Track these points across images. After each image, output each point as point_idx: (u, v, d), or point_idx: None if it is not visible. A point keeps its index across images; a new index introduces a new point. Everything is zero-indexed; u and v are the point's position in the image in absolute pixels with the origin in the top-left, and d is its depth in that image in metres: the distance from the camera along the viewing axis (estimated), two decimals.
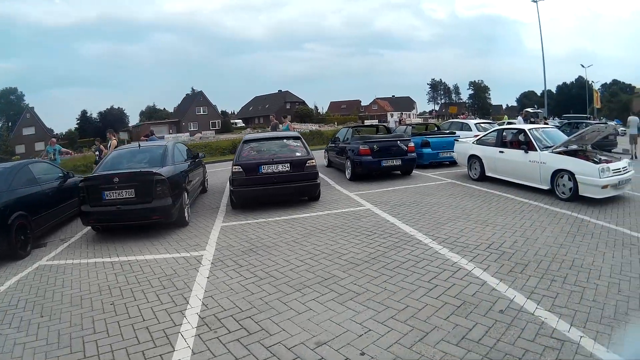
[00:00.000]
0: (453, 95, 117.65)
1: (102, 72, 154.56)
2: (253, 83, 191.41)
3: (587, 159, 8.92)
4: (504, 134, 11.21)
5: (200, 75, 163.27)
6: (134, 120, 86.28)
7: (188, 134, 58.74)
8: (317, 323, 4.14)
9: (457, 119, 26.59)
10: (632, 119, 17.86)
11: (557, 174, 9.05)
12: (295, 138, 9.85)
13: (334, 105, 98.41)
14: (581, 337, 3.68)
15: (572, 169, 8.69)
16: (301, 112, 76.58)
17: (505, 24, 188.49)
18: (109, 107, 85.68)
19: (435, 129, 17.69)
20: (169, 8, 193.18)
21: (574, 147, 9.65)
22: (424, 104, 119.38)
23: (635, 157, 16.37)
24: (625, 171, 8.74)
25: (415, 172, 13.50)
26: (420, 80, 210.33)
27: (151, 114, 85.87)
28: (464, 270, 5.31)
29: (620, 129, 36.28)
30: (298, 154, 9.21)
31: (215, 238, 7.30)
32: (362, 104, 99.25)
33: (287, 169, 8.73)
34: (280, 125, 16.91)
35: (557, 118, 39.87)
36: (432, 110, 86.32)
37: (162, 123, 73.05)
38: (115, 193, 7.30)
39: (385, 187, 11.26)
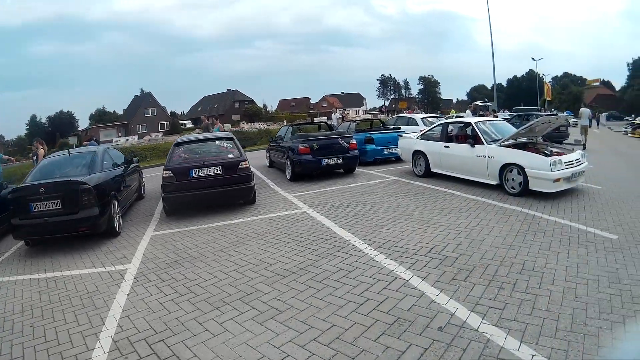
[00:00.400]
0: (403, 91, 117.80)
1: (53, 73, 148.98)
2: (203, 82, 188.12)
3: (537, 151, 8.58)
4: (449, 128, 10.80)
5: (150, 76, 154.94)
6: (84, 123, 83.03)
7: (137, 136, 56.79)
8: (232, 347, 3.72)
9: (402, 113, 25.95)
10: (583, 110, 18.81)
11: (505, 168, 8.59)
12: (228, 139, 9.39)
13: (283, 103, 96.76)
14: (533, 356, 3.26)
15: (522, 162, 8.23)
16: (250, 111, 75.28)
17: (456, 19, 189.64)
18: (58, 112, 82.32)
19: (381, 125, 17.23)
20: (119, 6, 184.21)
21: (524, 140, 9.35)
22: (373, 100, 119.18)
23: (585, 148, 16.81)
24: (578, 163, 8.39)
25: (359, 169, 12.97)
26: (371, 76, 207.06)
27: (100, 117, 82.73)
28: (400, 279, 4.78)
29: (572, 120, 37.02)
30: (230, 155, 8.75)
31: (142, 249, 6.84)
32: (312, 101, 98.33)
33: (219, 172, 8.31)
34: (215, 125, 16.45)
35: (507, 111, 40.26)
36: (382, 106, 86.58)
37: (111, 126, 70.78)
38: (43, 204, 6.86)
39: (325, 187, 10.71)
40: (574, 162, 8.31)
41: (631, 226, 6.43)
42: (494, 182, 8.98)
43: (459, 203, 8.25)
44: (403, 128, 15.76)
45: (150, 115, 72.54)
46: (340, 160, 11.76)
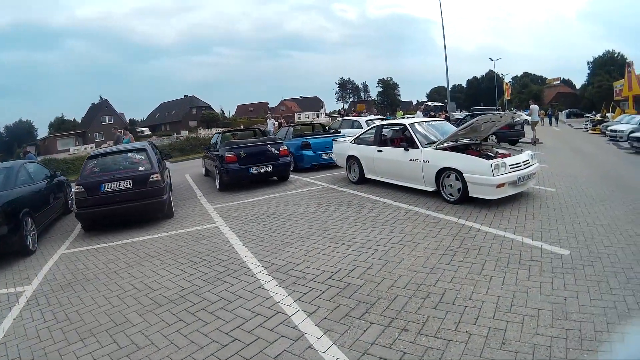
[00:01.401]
0: (362, 94, 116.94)
1: (13, 81, 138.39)
2: (162, 89, 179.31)
3: (479, 154, 7.49)
4: (383, 131, 9.70)
5: (110, 83, 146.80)
6: (43, 132, 79.24)
7: (94, 145, 55.40)
8: None
9: (348, 116, 24.69)
10: (533, 107, 19.06)
11: (442, 173, 7.53)
12: (140, 151, 8.77)
13: (241, 109, 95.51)
14: None
15: (459, 166, 7.16)
16: (207, 116, 73.87)
17: (415, 22, 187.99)
18: (17, 120, 78.40)
19: (322, 129, 16.32)
20: (81, 13, 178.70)
21: (466, 141, 8.33)
22: (332, 104, 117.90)
23: (535, 144, 17.29)
24: (526, 165, 7.35)
25: (294, 177, 12.14)
26: (330, 80, 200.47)
27: (60, 126, 79.30)
28: (282, 315, 3.91)
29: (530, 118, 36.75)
30: (141, 168, 8.22)
31: (46, 270, 6.25)
32: (270, 105, 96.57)
33: (129, 185, 7.83)
34: (124, 137, 15.40)
35: (465, 111, 39.66)
36: (341, 109, 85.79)
37: (68, 135, 68.25)
38: None
39: (252, 197, 9.82)
40: (522, 164, 7.27)
41: (587, 237, 5.30)
42: (430, 189, 7.92)
43: (387, 214, 7.09)
44: (344, 132, 14.59)
45: (107, 123, 69.70)
46: (269, 168, 10.90)
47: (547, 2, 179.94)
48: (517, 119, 16.46)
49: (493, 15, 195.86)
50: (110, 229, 8.09)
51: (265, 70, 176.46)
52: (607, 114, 29.81)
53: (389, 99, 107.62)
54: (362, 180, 9.89)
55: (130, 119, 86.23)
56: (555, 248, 4.93)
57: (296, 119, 78.59)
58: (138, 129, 73.76)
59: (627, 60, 41.59)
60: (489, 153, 7.69)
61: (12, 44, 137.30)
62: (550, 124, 37.94)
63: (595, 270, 4.27)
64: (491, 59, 58.37)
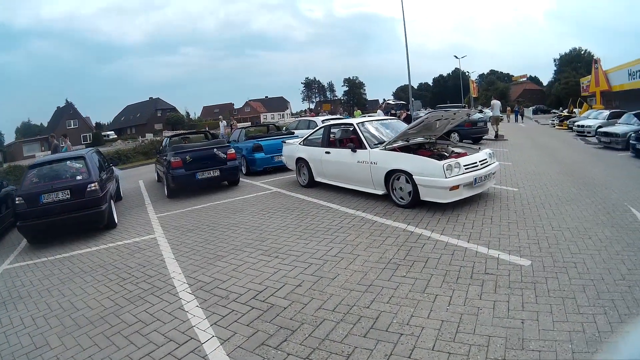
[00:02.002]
0: (328, 93, 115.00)
1: None
2: (128, 91, 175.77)
3: (431, 154, 6.91)
4: (331, 131, 9.02)
5: (76, 86, 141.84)
6: (10, 138, 75.85)
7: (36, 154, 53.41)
8: None
9: (306, 116, 23.92)
10: (494, 102, 19.37)
11: (392, 175, 6.87)
12: (79, 159, 8.44)
13: (207, 110, 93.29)
14: None
15: (408, 168, 6.51)
16: (172, 119, 72.50)
17: (381, 21, 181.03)
18: None
19: (276, 130, 15.65)
20: (46, 13, 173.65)
21: (419, 140, 7.71)
22: (298, 104, 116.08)
23: (496, 138, 17.81)
24: (484, 165, 6.71)
25: (246, 180, 11.59)
26: (296, 80, 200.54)
27: (26, 131, 77.21)
28: (194, 342, 3.46)
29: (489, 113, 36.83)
30: (79, 177, 7.90)
31: None
32: (235, 106, 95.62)
33: (67, 196, 7.50)
34: (62, 145, 14.89)
35: (429, 108, 39.39)
36: (307, 109, 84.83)
37: (34, 140, 65.28)
38: None
39: (199, 204, 9.23)
40: (479, 163, 6.61)
41: (552, 243, 4.68)
42: (380, 192, 7.24)
43: (331, 221, 6.43)
44: (300, 133, 13.85)
45: (72, 127, 67.92)
46: (217, 173, 10.24)
47: (514, 2, 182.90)
48: (474, 116, 16.14)
49: (459, 13, 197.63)
50: (53, 242, 7.69)
51: (231, 70, 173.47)
52: (574, 110, 29.81)
53: (355, 98, 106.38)
54: (312, 184, 9.27)
55: (96, 123, 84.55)
56: (514, 258, 4.29)
57: (262, 120, 77.52)
58: (104, 133, 72.07)
59: (594, 57, 42.03)
60: (444, 153, 7.09)
61: None
62: (517, 120, 38.04)
63: (559, 283, 3.65)
64: (456, 57, 58.51)
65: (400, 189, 6.72)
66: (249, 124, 33.85)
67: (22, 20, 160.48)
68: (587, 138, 17.82)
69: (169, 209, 9.03)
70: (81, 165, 8.21)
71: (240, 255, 5.38)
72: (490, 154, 7.07)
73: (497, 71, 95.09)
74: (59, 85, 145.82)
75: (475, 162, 6.54)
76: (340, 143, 8.60)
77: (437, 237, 5.07)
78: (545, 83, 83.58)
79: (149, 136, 48.89)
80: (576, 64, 67.82)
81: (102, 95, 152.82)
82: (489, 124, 18.87)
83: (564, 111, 33.38)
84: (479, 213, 6.07)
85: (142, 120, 74.55)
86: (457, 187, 6.05)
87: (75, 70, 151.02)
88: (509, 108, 42.45)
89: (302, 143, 9.62)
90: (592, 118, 20.32)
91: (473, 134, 16.39)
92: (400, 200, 6.73)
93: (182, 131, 34.44)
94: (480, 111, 19.67)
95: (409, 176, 6.43)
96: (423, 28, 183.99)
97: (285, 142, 10.75)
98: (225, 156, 10.37)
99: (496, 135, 18.08)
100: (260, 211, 7.65)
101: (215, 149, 10.37)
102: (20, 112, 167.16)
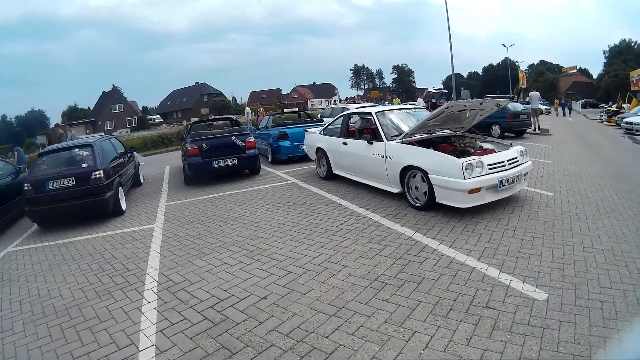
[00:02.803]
0: (376, 80, 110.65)
1: (24, 73, 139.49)
2: (174, 77, 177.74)
3: (453, 149, 6.12)
4: (350, 120, 8.22)
5: (122, 72, 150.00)
6: (55, 121, 79.18)
7: (103, 133, 54.85)
8: None
9: (342, 103, 23.18)
10: (533, 94, 18.66)
11: (407, 172, 6.04)
12: (86, 147, 8.42)
13: (254, 95, 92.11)
14: None
15: (424, 165, 5.67)
16: (218, 104, 72.34)
17: (430, 8, 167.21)
18: (29, 110, 77.92)
19: (307, 118, 14.95)
20: (92, 2, 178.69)
21: (447, 132, 6.86)
22: (347, 90, 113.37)
23: (539, 131, 16.93)
24: (513, 164, 5.73)
25: (269, 169, 11.13)
26: (344, 66, 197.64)
27: (72, 114, 78.43)
28: (133, 347, 3.20)
29: (544, 107, 34.85)
30: (84, 165, 7.93)
31: None
32: (283, 92, 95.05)
33: (72, 183, 7.57)
34: (69, 134, 14.61)
35: (475, 98, 37.84)
36: (356, 95, 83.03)
37: (79, 123, 65.48)
38: None
39: (212, 194, 8.90)
40: (506, 163, 5.63)
41: (579, 269, 3.77)
42: (395, 190, 6.43)
43: (334, 221, 5.80)
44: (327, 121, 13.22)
45: (117, 111, 70.03)
46: (234, 162, 9.85)
47: None
48: (517, 107, 15.15)
49: (509, 1, 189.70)
50: (60, 226, 7.73)
51: (277, 56, 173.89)
52: (623, 105, 27.64)
53: (404, 85, 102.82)
54: (331, 176, 8.58)
55: (143, 107, 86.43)
56: (528, 288, 3.45)
57: (309, 107, 76.62)
58: (150, 117, 73.43)
59: None
60: (469, 148, 6.22)
61: (23, 36, 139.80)
62: (564, 114, 35.40)
63: (576, 333, 2.81)
64: (504, 45, 55.71)
65: (416, 188, 5.93)
66: (294, 110, 33.20)
67: (68, 10, 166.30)
68: (635, 137, 16.19)
69: (180, 197, 8.79)
70: (88, 153, 8.27)
71: (222, 254, 4.99)
72: (522, 151, 6.06)
73: (547, 62, 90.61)
74: (105, 72, 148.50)
75: (503, 162, 5.61)
76: (359, 133, 7.84)
77: (444, 251, 4.31)
78: (595, 76, 79.36)
79: (194, 120, 49.27)
80: (626, 56, 64.04)
81: (147, 81, 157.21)
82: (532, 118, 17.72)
83: (613, 106, 31.22)
84: (502, 222, 5.20)
85: (188, 105, 75.28)
86: (478, 189, 5.18)
87: (121, 56, 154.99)
88: (556, 101, 39.81)
89: (322, 132, 8.95)
90: None
91: (515, 127, 15.19)
92: (416, 201, 5.95)
93: (210, 118, 34.27)
94: (515, 101, 18.44)
95: (425, 174, 5.63)
96: (473, 15, 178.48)
97: (307, 131, 10.11)
98: (244, 144, 9.95)
99: (538, 128, 17.12)
100: (267, 204, 7.18)
101: (233, 137, 9.97)
102: (67, 97, 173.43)
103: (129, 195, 9.22)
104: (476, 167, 5.23)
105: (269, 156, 12.00)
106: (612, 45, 71.98)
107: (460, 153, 5.79)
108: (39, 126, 68.42)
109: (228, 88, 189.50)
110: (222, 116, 32.51)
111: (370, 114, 7.30)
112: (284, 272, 4.15)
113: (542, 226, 5.00)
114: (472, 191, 5.14)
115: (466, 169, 5.13)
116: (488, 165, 5.38)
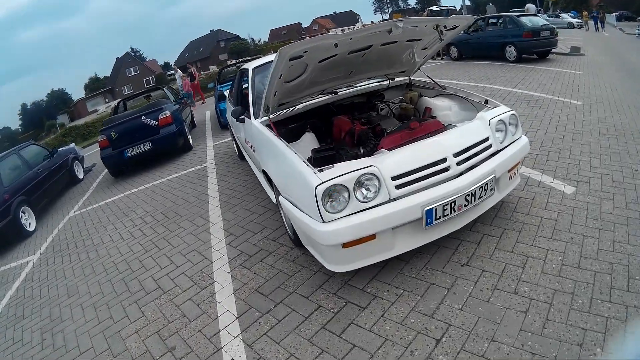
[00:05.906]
0: (400, 2, 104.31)
1: (41, 55, 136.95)
2: (192, 29, 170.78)
3: (363, 129, 3.41)
4: (242, 83, 5.56)
5: (140, 33, 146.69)
6: (78, 96, 75.38)
7: (120, 99, 53.87)
8: None
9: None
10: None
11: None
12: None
13: (274, 33, 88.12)
14: None
15: (273, 174, 3.37)
16: (236, 47, 68.81)
17: None
18: (49, 92, 75.70)
19: None
20: None
21: (373, 85, 4.43)
22: (370, 16, 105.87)
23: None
24: (473, 160, 2.83)
25: (208, 140, 9.54)
26: None
27: (92, 86, 76.19)
28: None
29: (576, 20, 30.58)
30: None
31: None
32: (303, 26, 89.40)
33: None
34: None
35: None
36: (381, 20, 76.75)
37: (97, 94, 66.54)
38: None
39: (130, 189, 7.44)
40: (453, 160, 2.71)
41: None
42: (275, 201, 3.80)
43: (169, 268, 3.92)
44: None
45: (133, 74, 68.66)
46: (149, 146, 8.31)
47: None
48: (537, 22, 11.79)
49: None
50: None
51: None
52: None
53: (429, 5, 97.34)
54: (243, 157, 6.33)
55: (164, 62, 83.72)
56: None
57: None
58: (168, 73, 72.27)
59: None
60: (388, 127, 3.50)
61: (36, 19, 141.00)
62: (597, 29, 29.85)
63: None
64: None
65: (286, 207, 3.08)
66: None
67: None
68: None
69: (99, 198, 7.50)
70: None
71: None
72: (505, 121, 3.05)
73: None
74: (123, 36, 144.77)
75: (443, 158, 2.67)
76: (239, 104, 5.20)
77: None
78: None
79: (212, 68, 46.57)
80: None
81: (166, 37, 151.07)
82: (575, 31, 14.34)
83: None
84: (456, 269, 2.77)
85: (206, 54, 72.64)
86: (358, 241, 2.49)
87: (137, 17, 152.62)
88: (585, 13, 34.11)
89: (229, 97, 6.75)
90: None
91: (535, 47, 11.48)
92: (290, 227, 3.40)
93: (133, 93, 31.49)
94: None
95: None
96: None
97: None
98: (156, 123, 8.35)
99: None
100: (144, 215, 5.59)
101: (142, 117, 8.45)
102: (87, 69, 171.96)
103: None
104: (358, 187, 2.50)
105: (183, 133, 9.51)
106: None
107: (361, 141, 3.31)
108: (63, 104, 68.52)
109: (245, 30, 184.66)
110: (151, 86, 29.82)
111: (247, 70, 4.87)
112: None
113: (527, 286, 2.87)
114: (346, 245, 2.50)
115: (324, 198, 2.44)
116: (395, 177, 2.57)
